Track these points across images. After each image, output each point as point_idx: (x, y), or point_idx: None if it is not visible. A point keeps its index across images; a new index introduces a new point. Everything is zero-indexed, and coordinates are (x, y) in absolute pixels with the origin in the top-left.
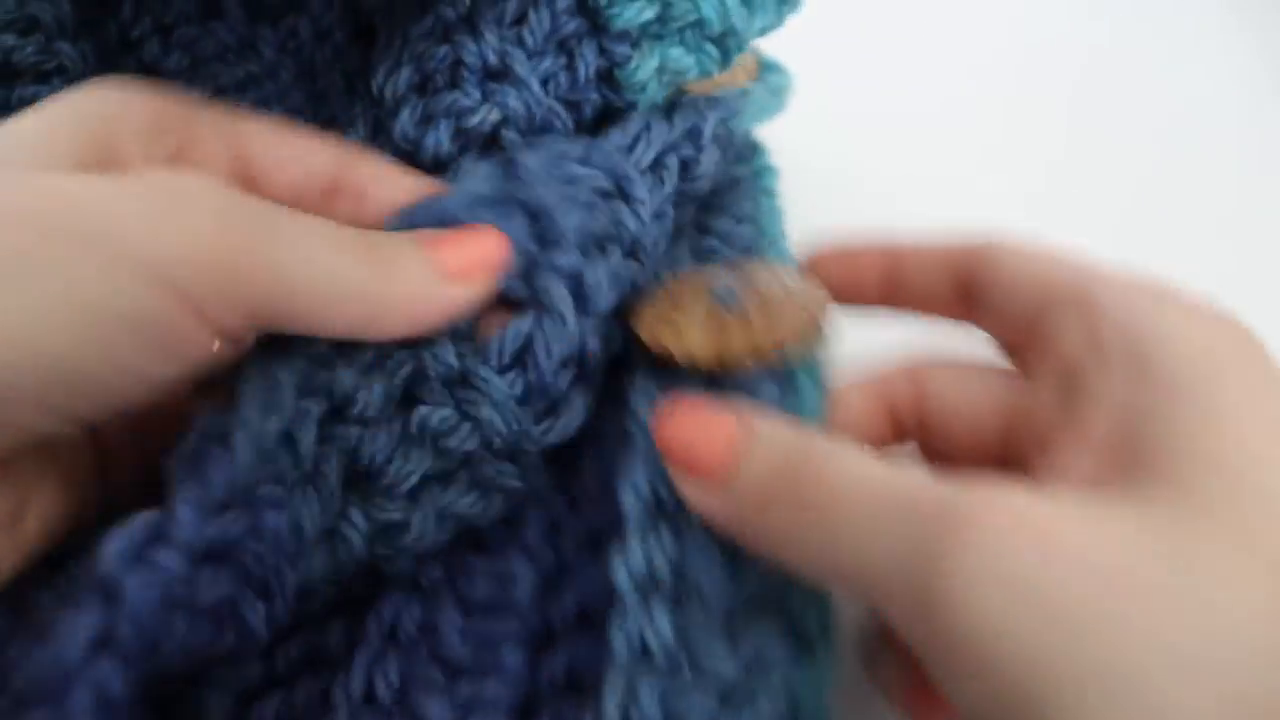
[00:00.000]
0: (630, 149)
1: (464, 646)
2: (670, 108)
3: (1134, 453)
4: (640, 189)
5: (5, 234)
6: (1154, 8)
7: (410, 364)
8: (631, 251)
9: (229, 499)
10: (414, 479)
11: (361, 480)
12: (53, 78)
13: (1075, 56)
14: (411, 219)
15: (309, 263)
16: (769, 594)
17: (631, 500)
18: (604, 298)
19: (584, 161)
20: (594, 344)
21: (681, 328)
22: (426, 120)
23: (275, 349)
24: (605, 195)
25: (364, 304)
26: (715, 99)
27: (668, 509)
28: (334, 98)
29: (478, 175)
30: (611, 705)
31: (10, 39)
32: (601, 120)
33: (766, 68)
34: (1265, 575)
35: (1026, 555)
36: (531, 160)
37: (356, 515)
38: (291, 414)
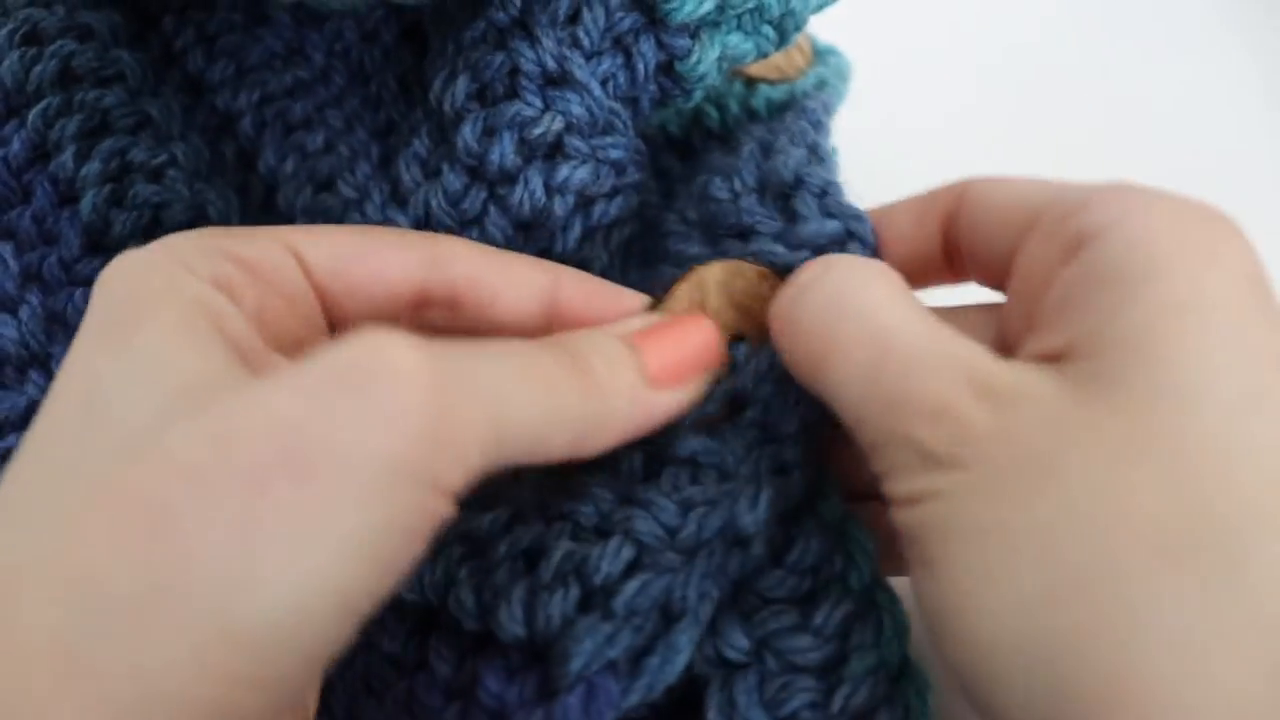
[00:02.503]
0: None
1: None
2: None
3: (1065, 334)
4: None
5: (266, 494)
6: (1148, 12)
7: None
8: None
9: None
10: None
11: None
12: (113, 84)
13: (1072, 58)
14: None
15: (520, 399)
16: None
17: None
18: None
19: None
20: None
21: None
22: (489, 133)
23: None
24: None
25: (575, 429)
26: (820, 99)
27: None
28: (389, 101)
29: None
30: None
31: (70, 44)
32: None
33: (823, 51)
34: (1151, 459)
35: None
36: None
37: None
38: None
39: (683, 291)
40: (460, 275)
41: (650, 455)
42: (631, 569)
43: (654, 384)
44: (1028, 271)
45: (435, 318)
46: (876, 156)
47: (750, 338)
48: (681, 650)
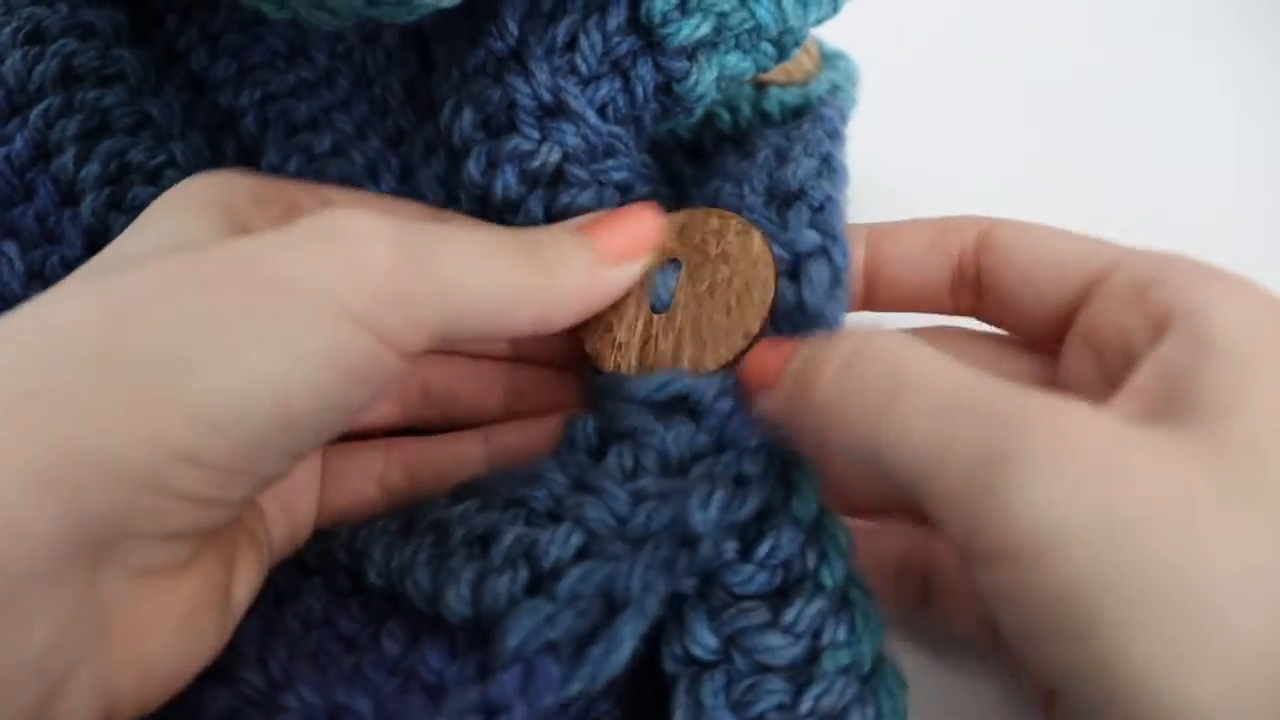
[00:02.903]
0: None
1: None
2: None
3: (1181, 402)
4: None
5: (222, 298)
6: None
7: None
8: None
9: None
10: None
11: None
12: (114, 83)
13: (1076, 58)
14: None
15: (477, 275)
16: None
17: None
18: None
19: None
20: None
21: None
22: (492, 166)
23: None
24: None
25: (533, 305)
26: (836, 107)
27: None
28: (396, 109)
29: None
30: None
31: (72, 43)
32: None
33: (831, 55)
34: None
35: (1091, 459)
36: None
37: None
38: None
39: None
40: None
41: (603, 426)
42: (581, 555)
43: (608, 263)
44: (1101, 336)
45: None
46: (876, 160)
47: (683, 259)
48: (625, 640)
